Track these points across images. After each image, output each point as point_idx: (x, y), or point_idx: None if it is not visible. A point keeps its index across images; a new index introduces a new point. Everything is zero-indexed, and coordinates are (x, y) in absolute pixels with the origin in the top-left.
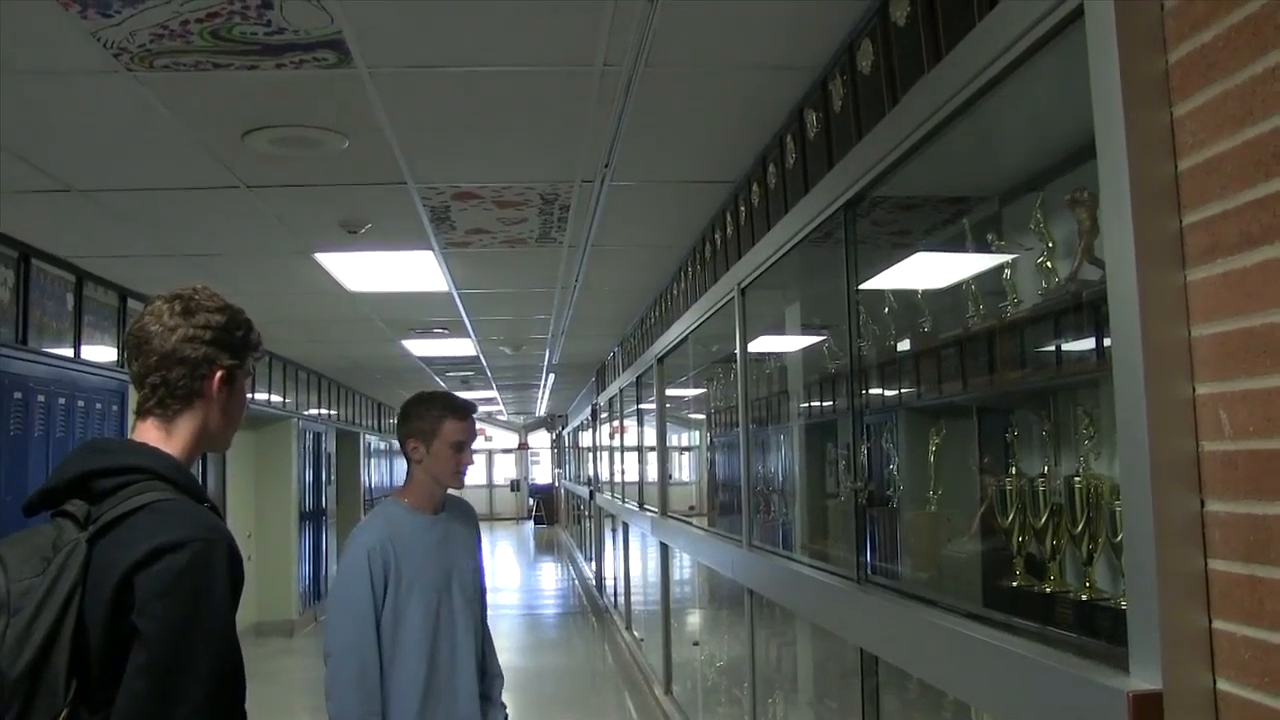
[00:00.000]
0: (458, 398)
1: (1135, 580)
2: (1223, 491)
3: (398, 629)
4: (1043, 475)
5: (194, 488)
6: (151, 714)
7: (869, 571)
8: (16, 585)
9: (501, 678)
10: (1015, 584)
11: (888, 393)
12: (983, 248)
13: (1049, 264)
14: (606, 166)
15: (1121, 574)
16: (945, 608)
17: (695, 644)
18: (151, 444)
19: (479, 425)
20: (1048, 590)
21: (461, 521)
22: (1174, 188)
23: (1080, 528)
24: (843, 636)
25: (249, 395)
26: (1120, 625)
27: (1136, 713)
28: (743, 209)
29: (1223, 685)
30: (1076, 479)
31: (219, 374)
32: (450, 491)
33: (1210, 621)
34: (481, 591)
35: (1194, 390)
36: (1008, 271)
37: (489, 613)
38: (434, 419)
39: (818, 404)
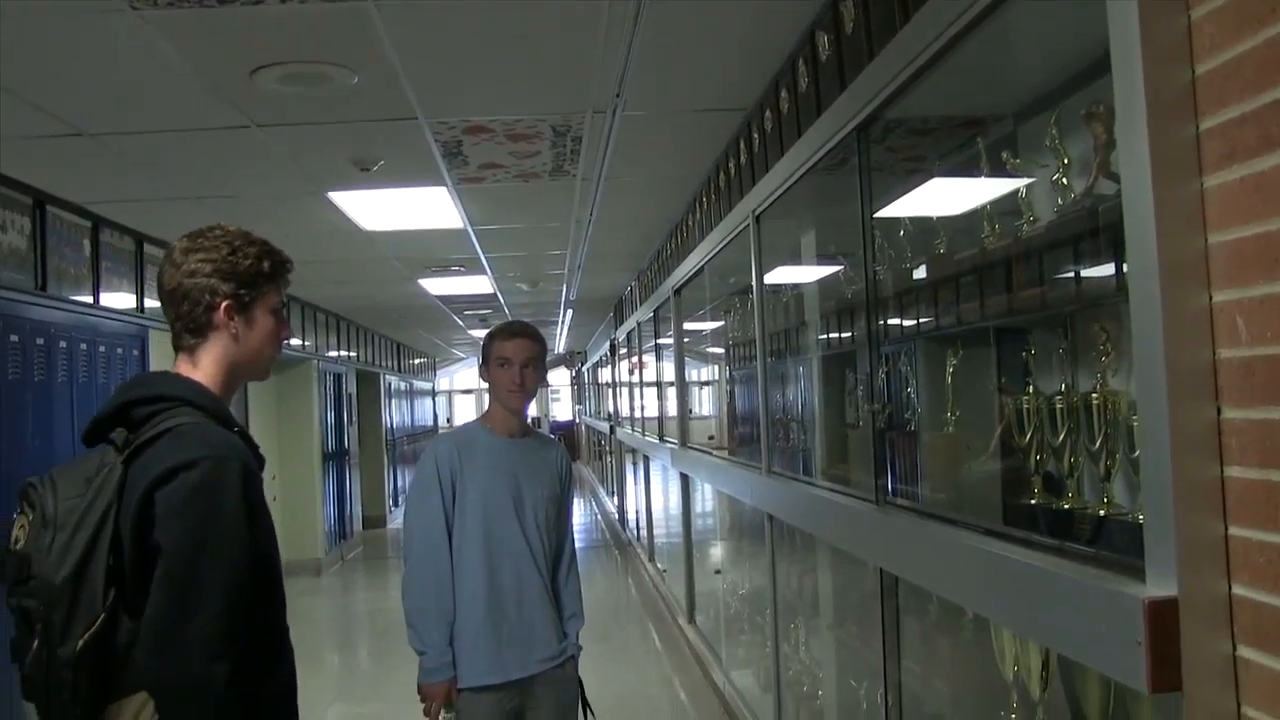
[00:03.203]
0: (509, 321)
1: (1151, 489)
2: (1239, 398)
3: (461, 538)
4: (1060, 393)
5: (222, 413)
6: (171, 622)
7: (888, 494)
8: (63, 504)
9: (580, 617)
10: (1034, 502)
11: (905, 322)
12: (998, 167)
13: (1064, 180)
14: (618, 96)
15: (1139, 489)
16: (964, 526)
17: (717, 572)
18: (183, 375)
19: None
20: (1066, 507)
21: (543, 452)
22: (1190, 93)
23: (1098, 444)
24: (862, 557)
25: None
26: (1137, 538)
27: (1152, 619)
28: (756, 136)
29: (1238, 590)
30: (1094, 395)
31: (224, 304)
32: (541, 430)
33: (1226, 528)
34: (562, 526)
35: (1210, 298)
36: (1023, 191)
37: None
38: (487, 342)
39: (836, 335)
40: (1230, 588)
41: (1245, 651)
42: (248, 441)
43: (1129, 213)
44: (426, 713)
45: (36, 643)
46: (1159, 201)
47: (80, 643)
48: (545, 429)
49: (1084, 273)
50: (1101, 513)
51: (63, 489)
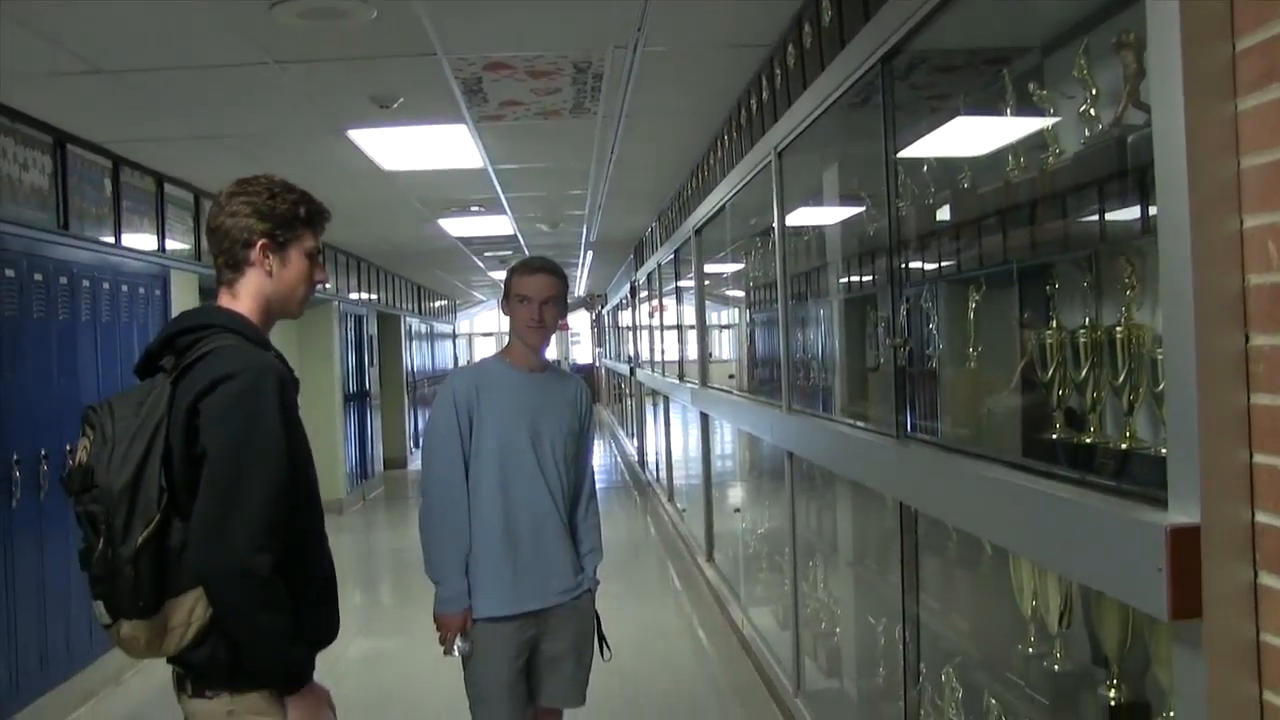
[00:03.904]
0: (531, 257)
1: (1176, 416)
2: (1268, 325)
3: (477, 471)
4: (1084, 327)
5: (258, 337)
6: (217, 518)
7: (909, 429)
8: (119, 424)
9: (598, 553)
10: (1055, 437)
11: (928, 266)
12: (1024, 101)
13: (1093, 111)
14: (639, 31)
15: (1163, 423)
16: (985, 458)
17: (736, 510)
18: (224, 306)
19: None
20: (1088, 441)
21: (563, 387)
22: (1228, 11)
23: (1121, 378)
24: (882, 492)
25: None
26: (1160, 471)
27: (1174, 546)
28: (778, 72)
29: (1261, 517)
30: (1118, 328)
31: (260, 243)
32: (560, 365)
33: (1251, 455)
34: (582, 461)
35: (1241, 223)
36: (1049, 126)
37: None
38: (509, 276)
39: (857, 279)
40: (1254, 515)
41: (1266, 579)
42: (284, 363)
43: (1159, 136)
44: (442, 642)
45: (102, 543)
46: (1191, 124)
47: (140, 539)
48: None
49: (1110, 205)
50: (1124, 446)
51: (119, 410)
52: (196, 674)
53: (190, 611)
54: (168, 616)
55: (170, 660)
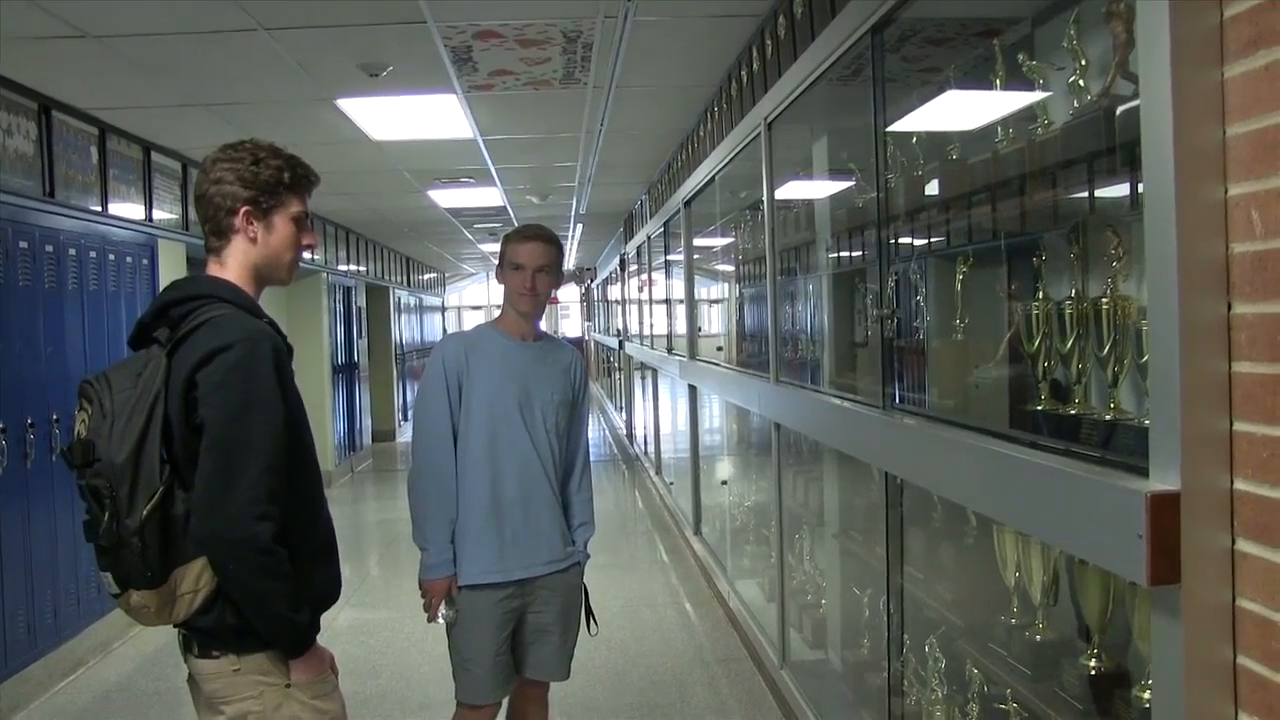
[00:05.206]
0: (526, 224)
1: (1158, 384)
2: (1251, 293)
3: (466, 438)
4: (1070, 299)
5: (250, 305)
6: (217, 487)
7: (895, 400)
8: (118, 397)
9: (590, 526)
10: (1040, 408)
11: (916, 242)
12: (1014, 72)
13: (1081, 82)
14: (629, 0)
15: (1146, 394)
16: (971, 429)
17: (724, 483)
18: (213, 275)
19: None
20: (1072, 412)
21: (556, 356)
22: None
23: (1106, 350)
24: (869, 462)
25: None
26: (1143, 441)
27: (1154, 512)
28: (769, 43)
29: (1240, 484)
30: (1104, 300)
31: (243, 209)
32: (555, 335)
33: (1231, 424)
34: (575, 432)
35: (1226, 191)
36: (1039, 97)
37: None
38: (503, 244)
39: (847, 255)
40: (1232, 482)
41: (1244, 545)
42: (277, 330)
43: (1146, 104)
44: (426, 609)
45: (108, 516)
46: (1177, 91)
47: (144, 511)
48: None
49: (1098, 177)
50: (1108, 417)
51: (116, 383)
52: (204, 636)
53: (198, 579)
54: (176, 584)
55: (178, 625)
